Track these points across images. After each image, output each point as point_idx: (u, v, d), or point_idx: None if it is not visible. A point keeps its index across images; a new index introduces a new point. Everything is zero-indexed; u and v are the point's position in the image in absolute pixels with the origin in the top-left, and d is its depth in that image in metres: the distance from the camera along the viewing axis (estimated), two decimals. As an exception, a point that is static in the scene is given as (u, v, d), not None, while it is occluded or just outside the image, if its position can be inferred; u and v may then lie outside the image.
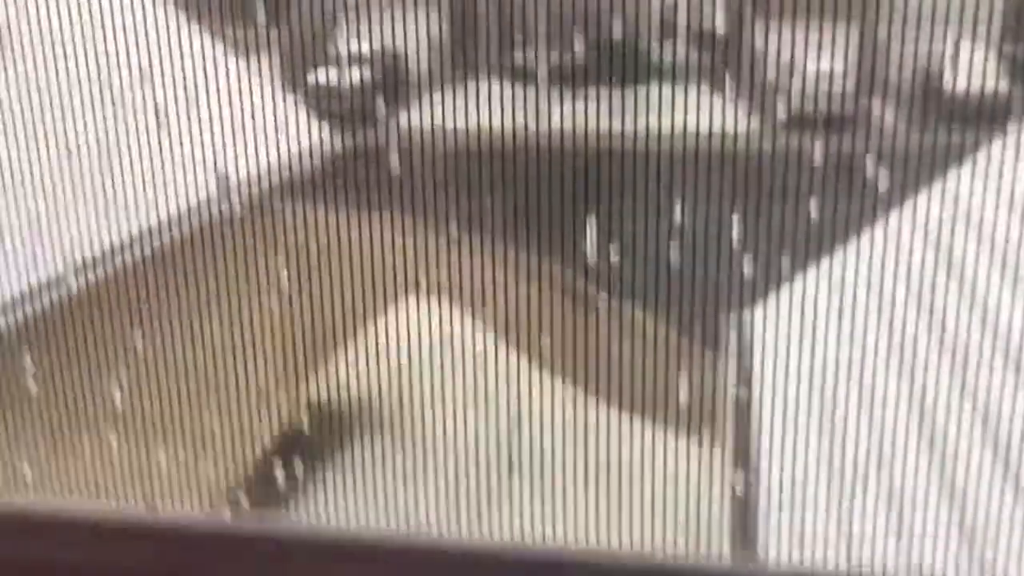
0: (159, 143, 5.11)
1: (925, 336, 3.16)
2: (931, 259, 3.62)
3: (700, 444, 4.51)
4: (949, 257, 3.51)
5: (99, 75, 5.04)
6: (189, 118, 5.41)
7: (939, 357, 3.01)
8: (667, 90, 12.17)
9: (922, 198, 4.15)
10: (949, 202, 4.03)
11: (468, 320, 6.59)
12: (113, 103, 5.23)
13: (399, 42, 12.46)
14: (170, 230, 4.57)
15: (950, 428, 2.79)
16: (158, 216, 4.59)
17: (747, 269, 4.69)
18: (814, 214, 4.65)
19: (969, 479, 2.61)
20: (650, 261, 5.59)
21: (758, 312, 4.11)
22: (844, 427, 3.07)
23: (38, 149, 4.67)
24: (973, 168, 4.20)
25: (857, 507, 2.75)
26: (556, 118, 10.46)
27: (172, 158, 5.13)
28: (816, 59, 13.23)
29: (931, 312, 3.27)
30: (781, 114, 12.21)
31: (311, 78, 11.43)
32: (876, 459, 2.85)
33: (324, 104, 10.29)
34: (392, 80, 12.33)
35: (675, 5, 14.54)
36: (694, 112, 10.64)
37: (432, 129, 9.49)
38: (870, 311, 3.59)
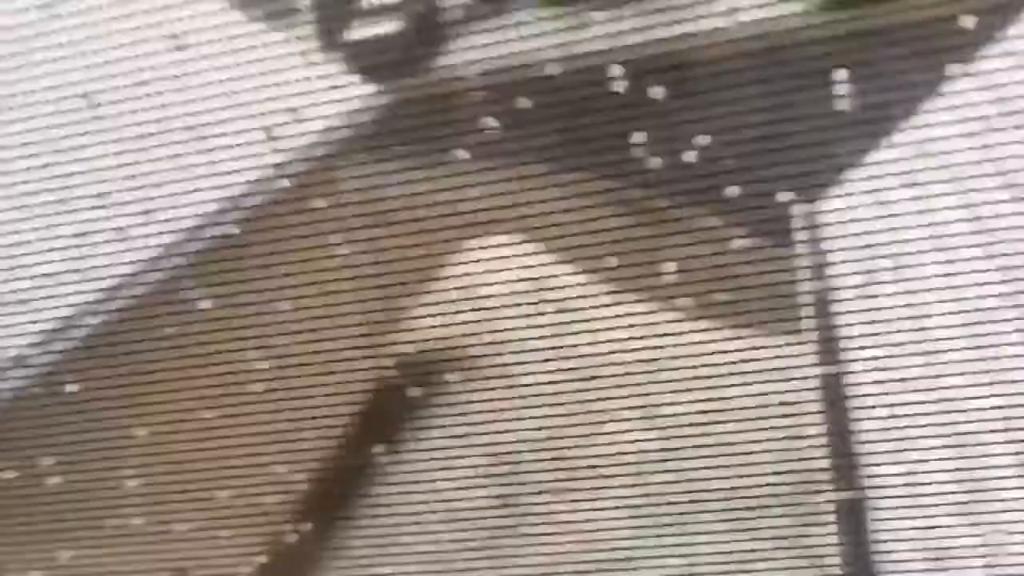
0: (210, 121, 5.15)
1: (1006, 209, 3.06)
2: (996, 115, 3.49)
3: (784, 345, 4.47)
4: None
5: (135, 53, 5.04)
6: (237, 93, 5.43)
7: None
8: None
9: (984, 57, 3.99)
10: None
11: (544, 255, 6.58)
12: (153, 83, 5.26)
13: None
14: (228, 212, 4.64)
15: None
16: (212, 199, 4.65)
17: (813, 158, 4.58)
18: (874, 95, 4.50)
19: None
20: (714, 164, 5.49)
21: (828, 203, 4.03)
22: (933, 310, 3.01)
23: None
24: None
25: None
26: (601, 34, 10.28)
27: (225, 133, 5.16)
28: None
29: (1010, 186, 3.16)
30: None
31: (346, 35, 11.39)
32: (973, 350, 2.78)
33: (363, 59, 10.25)
34: (428, 24, 12.25)
35: None
36: (741, 3, 10.30)
37: (476, 67, 9.38)
38: (945, 186, 3.49)
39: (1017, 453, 2.43)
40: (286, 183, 5.39)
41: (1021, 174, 3.17)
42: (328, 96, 6.00)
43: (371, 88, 6.28)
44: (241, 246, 4.87)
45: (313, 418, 5.25)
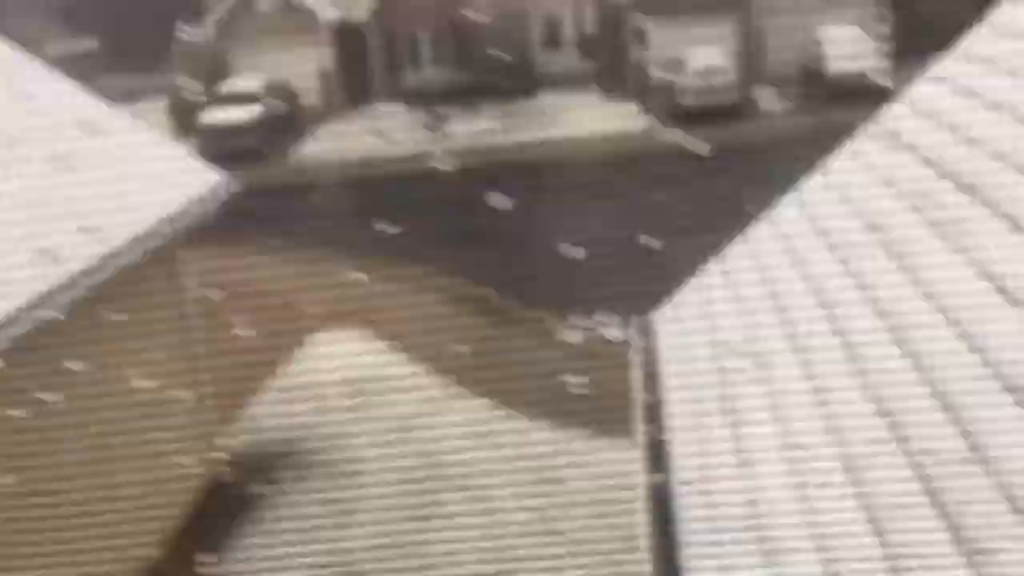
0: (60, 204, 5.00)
1: (821, 326, 3.23)
2: (818, 245, 3.70)
3: (615, 448, 4.55)
4: (835, 241, 3.59)
5: None
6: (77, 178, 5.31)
7: (837, 348, 3.08)
8: (558, 99, 12.36)
9: (807, 183, 4.24)
10: (833, 187, 4.13)
11: (384, 347, 6.55)
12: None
13: (290, 77, 12.39)
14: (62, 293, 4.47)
15: (850, 420, 2.85)
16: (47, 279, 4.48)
17: (652, 269, 4.75)
18: (709, 206, 4.68)
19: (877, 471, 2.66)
20: (558, 267, 5.59)
21: (662, 312, 4.16)
22: (753, 423, 3.13)
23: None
24: (852, 149, 4.31)
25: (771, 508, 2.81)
26: (453, 137, 10.50)
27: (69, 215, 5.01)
28: (699, 55, 13.65)
29: (824, 303, 3.35)
30: (670, 111, 12.39)
31: (202, 120, 11.21)
32: (784, 454, 2.91)
33: (217, 145, 10.06)
34: (286, 114, 12.23)
35: (559, 16, 14.71)
36: (587, 117, 10.74)
37: (331, 159, 9.41)
38: (764, 302, 3.66)
39: (826, 565, 2.54)
40: (122, 267, 5.21)
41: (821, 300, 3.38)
42: (177, 181, 5.91)
43: (222, 175, 6.20)
44: (69, 332, 4.67)
45: (140, 515, 5.03)
